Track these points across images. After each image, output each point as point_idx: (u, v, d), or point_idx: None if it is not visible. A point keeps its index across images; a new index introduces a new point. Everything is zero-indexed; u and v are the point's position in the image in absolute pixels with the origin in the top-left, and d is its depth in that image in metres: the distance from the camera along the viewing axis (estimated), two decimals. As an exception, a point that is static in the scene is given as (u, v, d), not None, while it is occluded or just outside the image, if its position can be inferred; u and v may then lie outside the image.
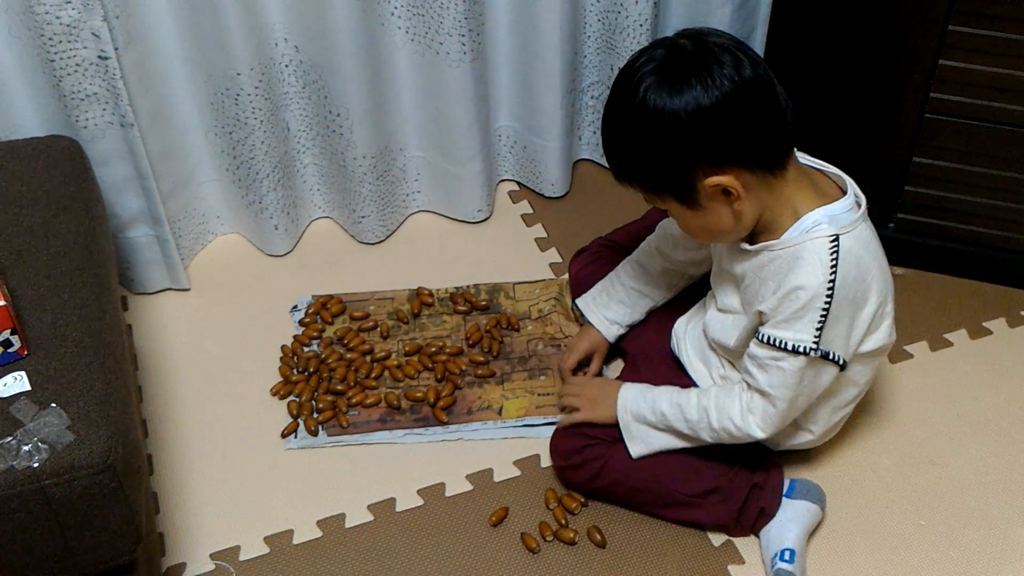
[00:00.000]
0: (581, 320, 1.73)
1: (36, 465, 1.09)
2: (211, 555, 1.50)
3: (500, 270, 1.89)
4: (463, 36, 1.75)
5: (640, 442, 1.47)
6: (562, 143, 1.97)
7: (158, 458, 1.62)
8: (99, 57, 1.56)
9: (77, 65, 1.57)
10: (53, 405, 1.14)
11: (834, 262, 1.29)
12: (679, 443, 1.45)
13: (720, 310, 1.47)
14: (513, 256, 1.93)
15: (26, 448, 1.09)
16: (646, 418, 1.46)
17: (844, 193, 1.36)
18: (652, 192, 1.33)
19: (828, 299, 1.29)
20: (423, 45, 1.77)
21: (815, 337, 1.30)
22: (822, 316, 1.29)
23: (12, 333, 1.17)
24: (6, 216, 1.35)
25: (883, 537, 1.50)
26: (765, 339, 1.33)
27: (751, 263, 1.36)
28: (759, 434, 1.39)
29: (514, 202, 2.04)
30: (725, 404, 1.39)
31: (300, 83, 1.78)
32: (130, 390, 1.27)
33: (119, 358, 1.25)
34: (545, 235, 1.97)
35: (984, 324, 1.78)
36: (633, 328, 1.66)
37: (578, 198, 2.04)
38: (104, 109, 1.62)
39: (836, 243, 1.29)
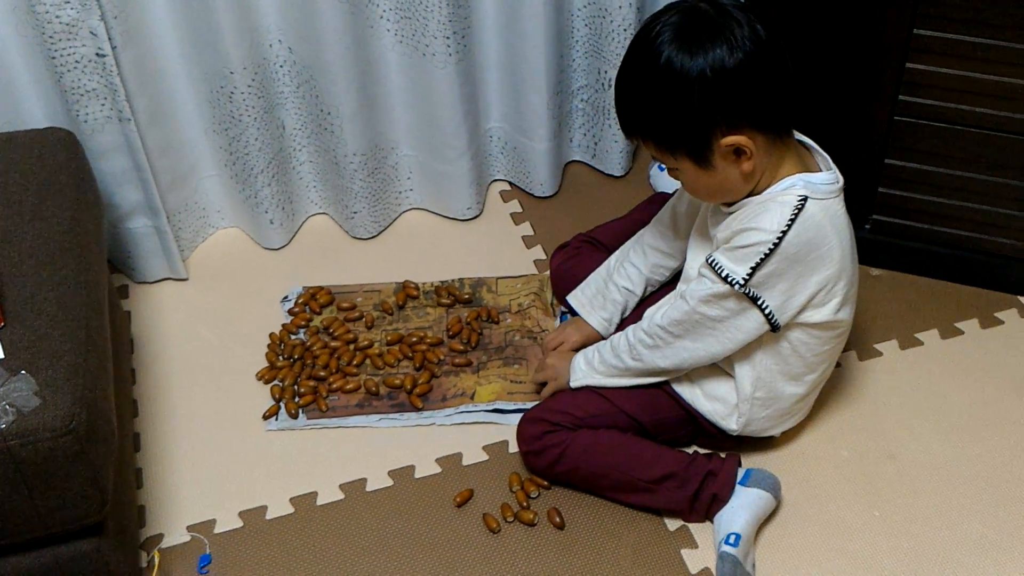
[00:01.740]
0: (560, 311, 1.79)
1: (3, 427, 1.17)
2: (188, 527, 1.57)
3: (486, 265, 1.96)
4: (448, 38, 1.81)
5: (580, 377, 1.57)
6: (550, 144, 2.02)
7: (145, 436, 1.70)
8: (97, 54, 1.66)
9: (76, 62, 1.66)
10: (23, 372, 1.22)
11: (792, 217, 1.36)
12: (618, 379, 1.55)
13: (687, 279, 1.52)
14: (499, 252, 1.99)
15: (-5, 410, 1.18)
16: (592, 360, 1.57)
17: (827, 171, 1.42)
18: (667, 150, 1.39)
19: (773, 246, 1.36)
20: (411, 47, 1.84)
21: (747, 275, 1.38)
22: (760, 259, 1.36)
23: (-11, 304, 1.25)
24: (-3, 199, 1.44)
25: (836, 527, 1.53)
26: (708, 259, 1.42)
27: (728, 218, 1.43)
28: (658, 322, 1.48)
29: (505, 201, 2.10)
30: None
31: (294, 83, 1.86)
32: (103, 364, 1.34)
33: (93, 333, 1.33)
34: (532, 233, 2.03)
35: (956, 325, 1.80)
36: (625, 321, 1.71)
37: (567, 198, 2.10)
38: (103, 104, 1.71)
39: (803, 203, 1.37)
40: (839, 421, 1.67)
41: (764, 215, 1.38)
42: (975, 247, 1.82)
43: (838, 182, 1.41)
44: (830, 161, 1.44)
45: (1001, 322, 1.80)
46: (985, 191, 1.75)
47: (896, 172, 1.78)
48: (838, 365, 1.73)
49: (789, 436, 1.63)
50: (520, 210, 2.08)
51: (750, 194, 1.42)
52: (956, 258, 1.84)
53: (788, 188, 1.39)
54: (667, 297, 1.57)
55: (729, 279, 1.40)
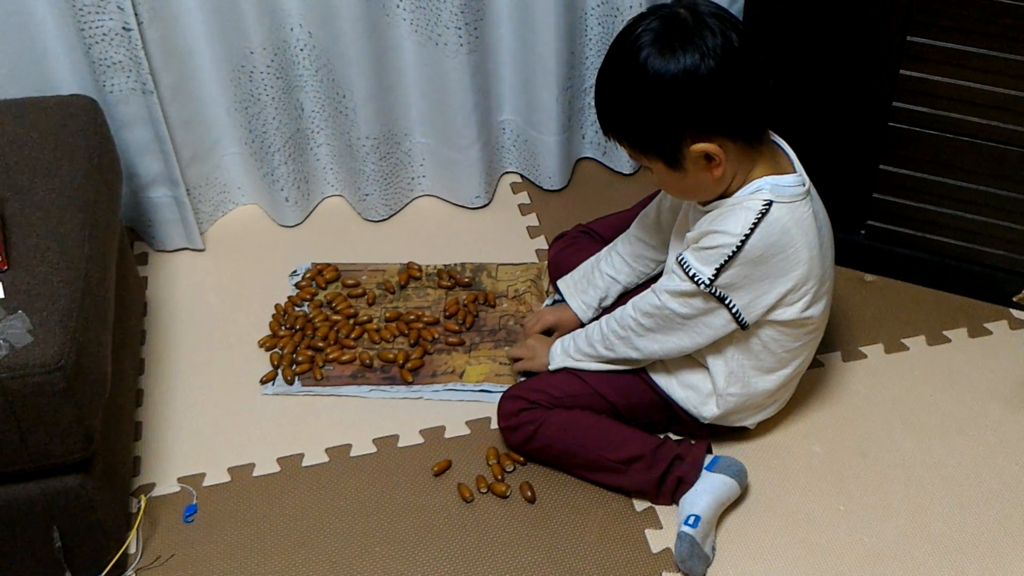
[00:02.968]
0: (553, 297, 1.84)
1: (-3, 359, 1.26)
2: (178, 478, 1.65)
3: (489, 252, 2.02)
4: (459, 29, 1.88)
5: (557, 363, 1.63)
6: (559, 138, 2.08)
7: (148, 392, 1.79)
8: (123, 28, 1.75)
9: (104, 34, 1.76)
10: (20, 311, 1.31)
11: (756, 222, 1.40)
12: (592, 363, 1.60)
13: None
14: (503, 241, 2.05)
15: (-10, 344, 1.26)
16: (567, 347, 1.63)
17: (794, 173, 1.46)
18: (640, 151, 1.44)
19: (736, 249, 1.40)
20: (424, 36, 1.91)
21: (712, 275, 1.42)
22: (724, 261, 1.41)
23: (-7, 248, 1.35)
24: (16, 156, 1.54)
25: (800, 518, 1.56)
26: (678, 257, 1.47)
27: (703, 217, 1.48)
28: (630, 312, 1.53)
29: (514, 192, 2.16)
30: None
31: (313, 67, 1.94)
32: (99, 313, 1.43)
33: (92, 283, 1.42)
34: (537, 224, 2.09)
35: (944, 332, 1.82)
36: (605, 311, 1.76)
37: (575, 193, 2.15)
38: (128, 76, 1.81)
39: (768, 207, 1.40)
40: (816, 418, 1.70)
41: (730, 218, 1.42)
42: (968, 257, 1.84)
43: (804, 184, 1.45)
44: (797, 163, 1.48)
45: (989, 332, 1.82)
46: (977, 201, 1.77)
47: (890, 178, 1.81)
48: (820, 365, 1.77)
49: (764, 429, 1.67)
50: (528, 201, 2.14)
51: (724, 195, 1.46)
52: (949, 267, 1.86)
53: (755, 192, 1.42)
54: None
55: (696, 278, 1.44)
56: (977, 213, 1.78)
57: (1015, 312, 1.84)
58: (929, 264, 1.87)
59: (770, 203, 1.41)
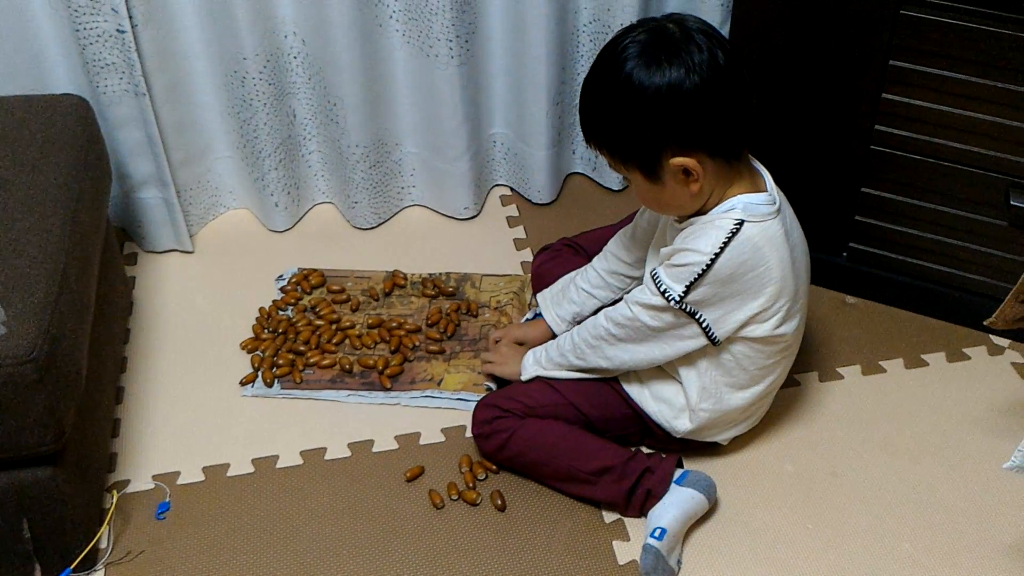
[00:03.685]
0: (535, 311, 1.85)
1: (-31, 349, 1.28)
2: (153, 476, 1.67)
3: (474, 263, 2.03)
4: (451, 41, 1.90)
5: (531, 371, 1.64)
6: (549, 152, 2.10)
7: (129, 390, 1.81)
8: (117, 30, 1.78)
9: (98, 36, 1.78)
10: (-5, 303, 1.33)
11: (726, 241, 1.41)
12: (563, 372, 1.62)
13: None
14: (490, 252, 2.06)
15: (-36, 335, 1.28)
16: (539, 357, 1.65)
17: (767, 192, 1.47)
18: (620, 160, 1.46)
19: (706, 267, 1.42)
20: (416, 47, 1.93)
21: (682, 292, 1.44)
22: (695, 278, 1.43)
23: (-27, 240, 1.36)
24: (1, 151, 1.56)
25: (767, 535, 1.56)
26: (652, 272, 1.49)
27: (679, 234, 1.49)
28: (602, 322, 1.55)
29: (503, 205, 2.18)
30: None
31: (306, 74, 1.96)
32: (77, 308, 1.44)
33: (70, 278, 1.44)
34: (524, 236, 2.10)
35: (922, 356, 1.83)
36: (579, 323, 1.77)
37: (563, 207, 2.17)
38: (121, 78, 1.83)
39: (739, 227, 1.42)
40: (789, 437, 1.70)
41: (701, 237, 1.43)
42: (948, 281, 1.84)
43: (775, 203, 1.46)
44: (770, 182, 1.49)
45: (968, 358, 1.82)
46: (958, 226, 1.77)
47: (872, 201, 1.82)
48: (797, 384, 1.77)
49: (736, 446, 1.67)
50: (516, 214, 2.15)
51: (700, 212, 1.47)
52: (930, 291, 1.87)
53: (728, 211, 1.44)
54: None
55: (666, 294, 1.46)
56: (957, 238, 1.79)
57: (994, 338, 1.85)
58: (910, 288, 1.88)
59: (741, 222, 1.42)
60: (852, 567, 1.52)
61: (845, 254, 1.91)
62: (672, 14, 1.43)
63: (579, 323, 1.74)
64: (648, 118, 1.37)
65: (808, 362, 1.80)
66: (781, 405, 1.72)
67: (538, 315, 1.82)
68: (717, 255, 1.41)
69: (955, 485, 1.62)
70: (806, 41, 1.70)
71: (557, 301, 1.76)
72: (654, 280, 1.48)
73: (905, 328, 1.88)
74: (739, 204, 1.44)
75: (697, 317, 1.46)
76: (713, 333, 1.47)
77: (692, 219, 1.48)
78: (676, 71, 1.35)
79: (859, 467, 1.65)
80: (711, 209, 1.46)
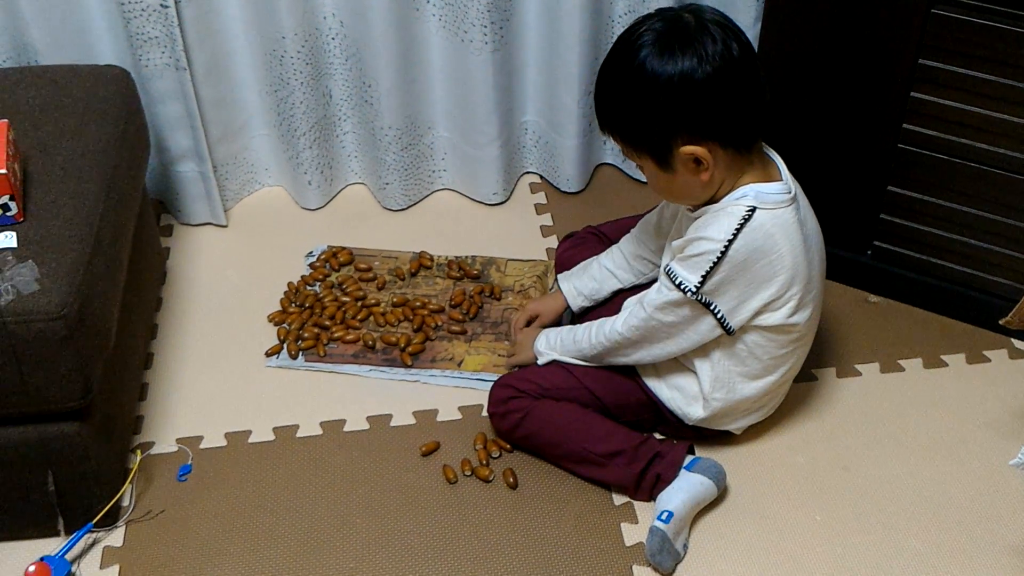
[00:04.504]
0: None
1: (2, 304, 1.32)
2: (177, 439, 1.71)
3: (500, 248, 2.06)
4: (485, 27, 1.93)
5: (545, 356, 1.66)
6: (579, 141, 2.12)
7: (158, 356, 1.85)
8: (160, 5, 1.83)
9: (142, 10, 1.83)
10: (30, 261, 1.38)
11: (739, 227, 1.43)
12: (573, 360, 1.64)
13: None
14: (516, 238, 2.09)
15: (-2, 289, 1.33)
16: (553, 343, 1.66)
17: (781, 181, 1.48)
18: (632, 148, 1.48)
19: (720, 255, 1.43)
20: (451, 32, 1.96)
21: (698, 282, 1.45)
22: (710, 267, 1.44)
23: (11, 199, 1.41)
24: (45, 117, 1.61)
25: (775, 524, 1.58)
26: (665, 268, 1.50)
27: (692, 224, 1.51)
28: (618, 328, 1.56)
29: (532, 192, 2.20)
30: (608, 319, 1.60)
31: (343, 55, 2.00)
32: (109, 270, 1.49)
33: (103, 241, 1.48)
34: (551, 224, 2.12)
35: (942, 357, 1.83)
36: (597, 306, 1.79)
37: (591, 196, 2.19)
38: (163, 52, 1.88)
39: (751, 213, 1.43)
40: (803, 429, 1.71)
41: (713, 224, 1.45)
42: (972, 284, 1.84)
43: (790, 192, 1.47)
44: (785, 173, 1.50)
45: (988, 360, 1.82)
46: (983, 228, 1.77)
47: (898, 200, 1.82)
48: (814, 379, 1.78)
49: (750, 435, 1.69)
50: (545, 202, 2.18)
51: (711, 200, 1.49)
52: (953, 293, 1.86)
53: (739, 198, 1.45)
54: (632, 299, 1.63)
55: (682, 286, 1.47)
56: (982, 240, 1.79)
57: (1016, 342, 1.84)
58: (932, 288, 1.88)
59: (753, 209, 1.43)
60: (859, 561, 1.53)
61: (869, 252, 1.91)
62: (690, 4, 1.45)
63: (595, 301, 1.76)
64: (660, 106, 1.39)
65: (826, 358, 1.81)
66: (796, 398, 1.73)
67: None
68: (731, 241, 1.43)
69: (966, 485, 1.62)
70: (837, 38, 1.71)
71: (576, 275, 1.79)
72: (668, 275, 1.49)
73: (926, 328, 1.88)
74: (751, 192, 1.45)
75: (712, 308, 1.48)
76: (728, 322, 1.49)
77: (704, 208, 1.49)
78: (689, 60, 1.37)
79: (871, 463, 1.66)
80: (723, 198, 1.48)
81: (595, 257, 1.80)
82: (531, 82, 2.10)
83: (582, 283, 1.77)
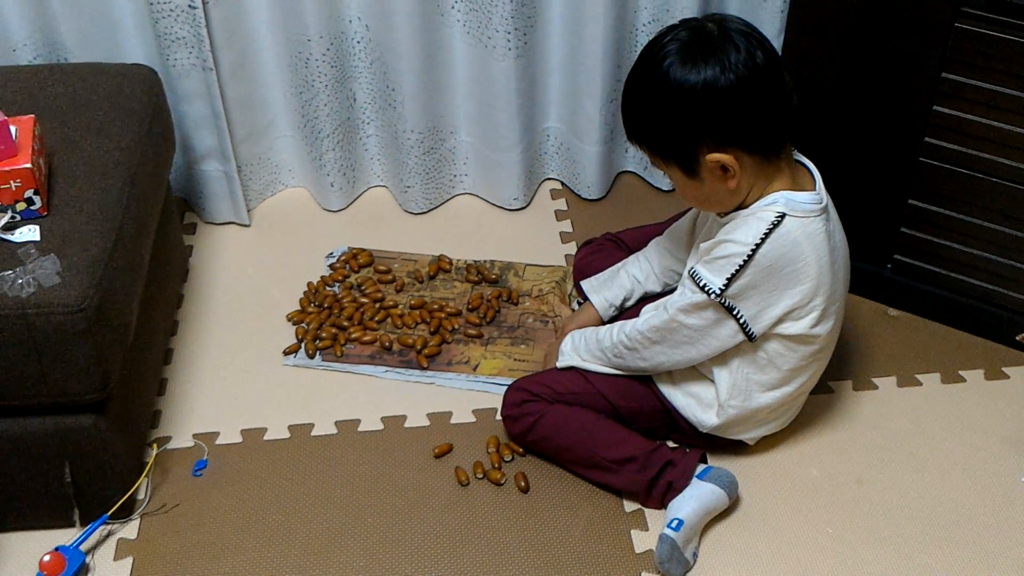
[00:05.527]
0: (576, 300, 1.88)
1: (24, 296, 1.35)
2: (193, 435, 1.73)
3: (519, 253, 2.07)
4: (508, 33, 1.94)
5: (565, 359, 1.66)
6: (600, 148, 2.12)
7: (177, 352, 1.87)
8: (189, 6, 1.85)
9: (171, 11, 1.86)
10: (52, 254, 1.40)
11: (767, 232, 1.43)
12: (597, 366, 1.64)
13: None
14: (535, 244, 2.10)
15: (20, 282, 1.35)
16: (578, 345, 1.66)
17: (813, 191, 1.49)
18: (659, 157, 1.49)
19: (747, 258, 1.43)
20: (475, 37, 1.98)
21: (723, 285, 1.45)
22: (736, 270, 1.44)
23: (35, 193, 1.43)
24: (72, 113, 1.64)
25: (786, 536, 1.57)
26: (690, 271, 1.50)
27: (722, 228, 1.51)
28: (639, 328, 1.56)
29: (553, 199, 2.21)
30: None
31: (368, 59, 2.02)
32: (130, 265, 1.51)
33: (125, 237, 1.50)
34: (571, 230, 2.13)
35: (960, 372, 1.82)
36: (625, 312, 1.79)
37: (612, 203, 2.19)
38: (190, 52, 1.90)
39: (780, 219, 1.44)
40: (817, 442, 1.71)
41: (741, 228, 1.45)
42: (993, 299, 1.83)
43: (822, 202, 1.47)
44: (819, 183, 1.50)
45: (1007, 377, 1.81)
46: (1004, 243, 1.76)
47: (919, 214, 1.81)
48: (830, 391, 1.78)
49: (763, 447, 1.68)
50: (565, 208, 2.18)
51: (740, 206, 1.49)
52: (973, 308, 1.85)
53: (770, 204, 1.46)
54: (656, 302, 1.64)
55: (707, 289, 1.47)
56: (1004, 256, 1.78)
57: (1035, 358, 1.83)
58: (952, 303, 1.87)
59: (783, 215, 1.44)
60: (868, 573, 1.52)
61: (890, 266, 1.91)
62: (714, 14, 1.45)
63: (625, 309, 1.76)
64: (684, 115, 1.40)
65: (843, 370, 1.81)
66: (812, 410, 1.72)
67: (579, 303, 1.84)
68: (758, 246, 1.43)
69: (979, 501, 1.61)
70: (860, 50, 1.71)
71: (606, 286, 1.79)
72: (693, 278, 1.49)
73: (945, 343, 1.87)
74: (781, 199, 1.45)
75: (735, 313, 1.48)
76: (750, 329, 1.49)
77: (734, 212, 1.50)
78: (712, 69, 1.37)
79: (885, 476, 1.65)
80: (752, 203, 1.48)
81: (620, 265, 1.80)
82: (554, 88, 2.11)
83: (612, 294, 1.77)
